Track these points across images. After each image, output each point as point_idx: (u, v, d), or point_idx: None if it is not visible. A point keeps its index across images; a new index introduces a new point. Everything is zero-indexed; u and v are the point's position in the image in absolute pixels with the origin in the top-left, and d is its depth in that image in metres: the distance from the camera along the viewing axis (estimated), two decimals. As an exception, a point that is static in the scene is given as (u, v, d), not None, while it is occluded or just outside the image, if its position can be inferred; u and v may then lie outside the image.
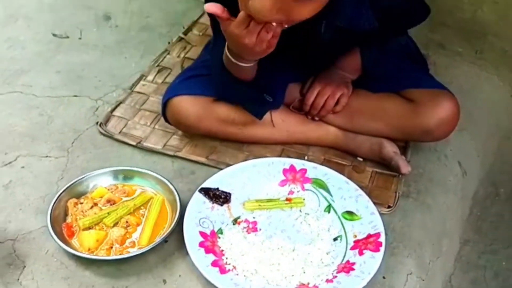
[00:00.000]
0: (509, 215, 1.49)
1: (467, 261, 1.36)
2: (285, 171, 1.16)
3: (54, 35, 1.63)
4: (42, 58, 1.54)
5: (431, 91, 1.19)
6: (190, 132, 1.26)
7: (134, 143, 1.27)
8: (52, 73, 1.49)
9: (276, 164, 1.16)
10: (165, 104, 1.22)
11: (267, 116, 1.21)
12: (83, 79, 1.48)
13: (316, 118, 1.24)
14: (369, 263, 0.98)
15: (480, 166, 1.44)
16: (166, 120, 1.24)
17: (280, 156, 1.23)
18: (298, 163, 1.16)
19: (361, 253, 1.00)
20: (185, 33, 1.66)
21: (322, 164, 1.19)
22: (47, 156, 1.24)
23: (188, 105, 1.19)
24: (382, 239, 1.02)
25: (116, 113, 1.36)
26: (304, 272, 0.98)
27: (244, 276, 0.97)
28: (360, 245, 1.02)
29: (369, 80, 1.25)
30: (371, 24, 1.09)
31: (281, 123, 1.22)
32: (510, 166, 1.60)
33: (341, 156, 1.26)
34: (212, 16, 1.07)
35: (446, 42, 1.59)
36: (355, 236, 1.04)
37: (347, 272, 0.98)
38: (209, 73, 1.22)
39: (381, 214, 1.08)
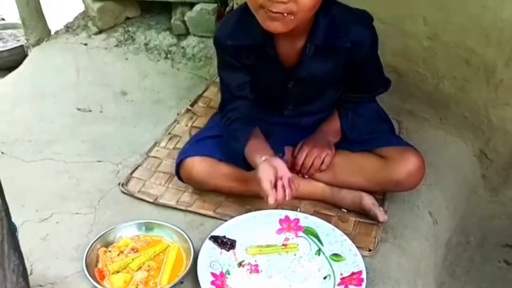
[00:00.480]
0: (479, 260, 1.66)
1: None
2: (281, 221, 1.35)
3: (78, 109, 1.84)
4: (69, 129, 1.74)
5: (399, 148, 1.40)
6: (200, 188, 1.45)
7: (151, 200, 1.46)
8: (78, 142, 1.69)
9: (273, 215, 1.35)
10: (178, 165, 1.42)
11: None
12: (105, 147, 1.67)
13: (306, 176, 1.45)
14: None
15: (450, 216, 1.62)
16: (180, 178, 1.44)
17: (276, 208, 1.41)
18: (292, 214, 1.36)
19: None
20: (192, 105, 1.84)
21: (312, 215, 1.38)
22: (77, 213, 1.42)
23: (198, 165, 1.39)
24: (364, 275, 1.20)
25: (135, 175, 1.54)
26: (299, 304, 1.17)
27: (249, 308, 1.16)
28: (346, 281, 1.20)
29: (348, 142, 1.47)
30: (344, 42, 1.30)
31: None
32: (478, 217, 1.77)
33: (328, 208, 1.44)
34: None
35: (416, 110, 1.78)
36: (341, 274, 1.22)
37: (335, 303, 1.17)
38: (214, 135, 1.43)
39: (363, 256, 1.25)
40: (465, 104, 1.72)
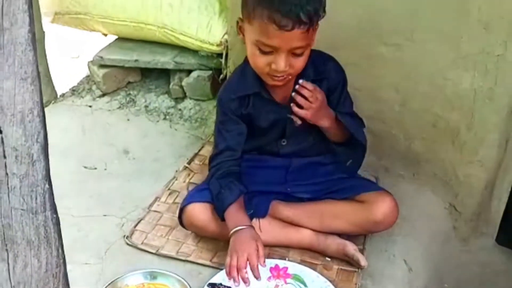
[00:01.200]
0: None
1: None
2: (271, 269, 1.50)
3: (85, 167, 1.97)
4: (76, 186, 1.86)
5: (376, 193, 1.59)
6: (200, 233, 1.60)
7: (153, 251, 1.60)
8: (85, 198, 1.81)
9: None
10: (181, 210, 1.58)
11: (256, 223, 1.55)
12: (110, 202, 1.80)
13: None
14: None
15: (424, 264, 1.76)
16: (181, 224, 1.59)
17: (267, 258, 1.54)
18: (281, 263, 1.51)
19: None
20: (189, 163, 1.97)
21: (299, 263, 1.54)
22: (86, 263, 1.55)
23: (199, 210, 1.55)
24: (345, 317, 1.36)
25: (138, 228, 1.69)
26: None
27: None
28: (329, 322, 1.36)
29: (333, 192, 1.65)
30: (328, 74, 1.57)
31: (268, 227, 1.57)
32: (452, 265, 1.88)
33: (314, 257, 1.59)
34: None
35: (391, 167, 1.95)
36: (325, 316, 1.38)
37: None
38: None
39: (344, 300, 1.43)
40: (434, 162, 1.89)
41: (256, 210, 1.59)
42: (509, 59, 1.66)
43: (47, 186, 0.74)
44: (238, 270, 1.38)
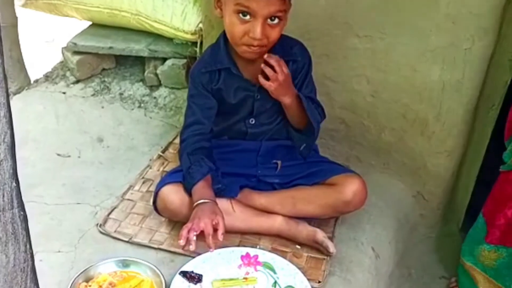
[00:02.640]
0: None
1: None
2: (242, 257, 1.52)
3: (58, 154, 1.97)
4: (50, 174, 1.86)
5: (345, 175, 1.64)
6: (173, 217, 1.61)
7: (126, 239, 1.61)
8: (59, 186, 1.82)
9: (236, 252, 1.53)
10: (155, 195, 1.60)
11: (229, 205, 1.59)
12: (83, 190, 1.80)
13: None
14: None
15: (391, 251, 1.83)
16: (156, 209, 1.61)
17: (238, 246, 1.58)
18: (252, 251, 1.54)
19: None
20: (163, 151, 1.98)
21: (270, 251, 1.56)
22: (59, 251, 1.55)
23: (173, 193, 1.57)
24: (313, 303, 1.41)
25: (111, 216, 1.69)
26: (257, 329, 1.35)
27: (214, 333, 1.33)
28: (297, 308, 1.41)
29: (303, 178, 1.68)
30: (296, 57, 1.62)
31: (240, 214, 1.59)
32: (418, 252, 1.98)
33: (285, 245, 1.62)
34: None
35: (362, 157, 2.00)
36: (294, 303, 1.43)
37: (288, 326, 1.35)
38: None
39: (313, 287, 1.45)
40: (404, 152, 1.95)
41: (227, 189, 1.62)
42: (476, 53, 1.71)
43: (14, 184, 0.76)
44: (189, 232, 1.42)
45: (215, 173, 1.60)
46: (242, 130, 1.73)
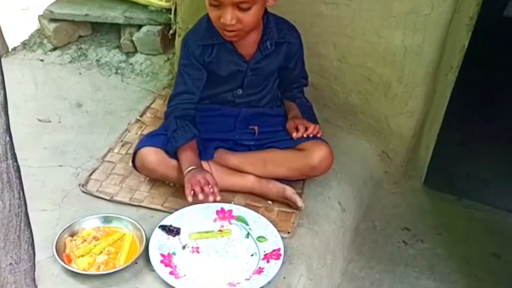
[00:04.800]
0: (382, 241, 1.96)
1: (351, 274, 1.82)
2: (217, 212, 1.63)
3: (39, 120, 2.03)
4: (32, 138, 1.93)
5: (313, 142, 1.73)
6: (150, 175, 1.72)
7: (108, 198, 1.70)
8: (41, 149, 1.89)
9: (211, 207, 1.63)
10: (134, 153, 1.70)
11: (207, 167, 1.68)
12: (65, 153, 1.88)
13: (305, 135, 1.73)
14: (273, 267, 1.47)
15: (356, 205, 1.95)
16: (134, 166, 1.71)
17: (214, 202, 1.69)
18: (226, 206, 1.64)
19: (268, 261, 1.49)
20: (141, 116, 2.07)
21: (243, 206, 1.67)
22: (44, 210, 1.64)
23: (151, 154, 1.67)
24: (282, 252, 1.51)
25: (93, 177, 1.78)
26: (231, 275, 1.46)
27: (192, 280, 1.44)
28: (268, 256, 1.50)
29: (276, 142, 1.79)
30: (290, 38, 1.75)
31: (214, 173, 1.67)
32: (382, 206, 2.08)
33: (257, 201, 1.73)
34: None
35: (330, 119, 2.10)
36: (265, 251, 1.52)
37: (259, 273, 1.46)
38: (167, 133, 1.70)
39: (282, 237, 1.56)
40: (369, 113, 2.06)
41: (203, 152, 1.72)
42: (435, 18, 1.82)
43: (8, 138, 0.84)
44: (194, 187, 1.54)
45: (198, 139, 1.70)
46: (229, 99, 1.83)
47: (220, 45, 1.71)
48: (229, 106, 1.84)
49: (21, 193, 0.89)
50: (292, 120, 1.80)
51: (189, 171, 1.60)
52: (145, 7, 2.36)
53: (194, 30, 1.76)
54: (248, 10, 1.55)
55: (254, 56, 1.74)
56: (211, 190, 1.54)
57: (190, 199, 1.54)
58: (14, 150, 0.90)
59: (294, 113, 1.85)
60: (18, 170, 0.89)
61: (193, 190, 1.53)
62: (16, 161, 0.88)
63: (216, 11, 1.57)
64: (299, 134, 1.72)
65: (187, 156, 1.64)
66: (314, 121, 1.83)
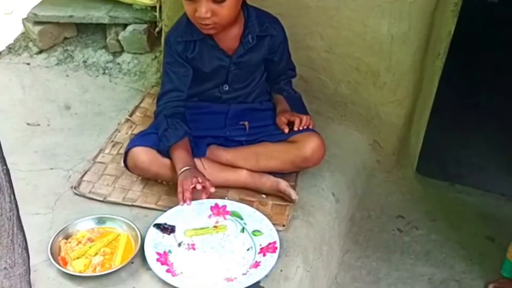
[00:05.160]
0: (378, 230, 1.97)
1: (348, 264, 1.83)
2: (212, 208, 1.63)
3: (28, 124, 2.01)
4: (21, 142, 1.92)
5: (305, 133, 1.74)
6: (143, 175, 1.71)
7: (101, 199, 1.69)
8: (31, 153, 1.87)
9: (206, 203, 1.62)
10: (126, 153, 1.69)
11: (200, 164, 1.68)
12: (55, 156, 1.87)
13: (304, 128, 1.73)
14: (270, 260, 1.47)
15: (350, 195, 1.96)
16: (126, 166, 1.70)
17: (208, 198, 1.67)
18: (220, 202, 1.64)
19: (264, 255, 1.49)
20: (130, 115, 2.06)
21: (237, 201, 1.67)
22: (37, 213, 1.63)
23: (143, 154, 1.67)
24: (278, 245, 1.51)
25: (85, 178, 1.77)
26: (228, 270, 1.46)
27: (189, 277, 1.44)
28: (264, 250, 1.51)
29: (267, 136, 1.79)
30: (272, 32, 1.74)
31: (207, 169, 1.68)
32: (376, 195, 2.09)
33: (251, 195, 1.73)
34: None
35: (320, 110, 2.09)
36: (260, 245, 1.52)
37: (256, 267, 1.46)
38: (158, 132, 1.70)
39: (278, 230, 1.56)
40: (359, 103, 2.07)
41: (196, 149, 1.71)
42: (420, 5, 1.83)
43: (-5, 143, 0.82)
44: (184, 193, 1.54)
45: (190, 136, 1.70)
46: (216, 95, 1.83)
47: (201, 41, 1.71)
48: (217, 103, 1.84)
49: (12, 197, 0.88)
50: (282, 115, 1.79)
51: (182, 171, 1.59)
52: (129, 6, 2.35)
53: (175, 27, 1.76)
54: (222, 2, 1.56)
55: (236, 50, 1.73)
56: (203, 185, 1.55)
57: (181, 204, 1.55)
58: (2, 153, 0.89)
59: (282, 106, 1.85)
60: (7, 173, 0.88)
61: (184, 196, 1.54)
62: (5, 164, 0.87)
63: (191, 5, 1.57)
64: (295, 128, 1.72)
65: (180, 155, 1.64)
66: (304, 112, 1.83)
